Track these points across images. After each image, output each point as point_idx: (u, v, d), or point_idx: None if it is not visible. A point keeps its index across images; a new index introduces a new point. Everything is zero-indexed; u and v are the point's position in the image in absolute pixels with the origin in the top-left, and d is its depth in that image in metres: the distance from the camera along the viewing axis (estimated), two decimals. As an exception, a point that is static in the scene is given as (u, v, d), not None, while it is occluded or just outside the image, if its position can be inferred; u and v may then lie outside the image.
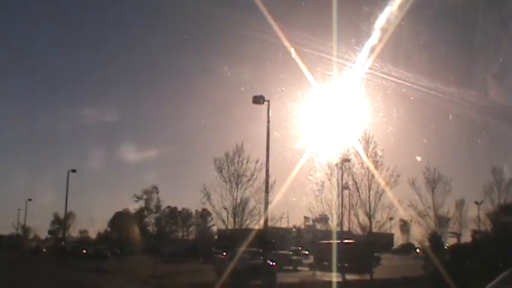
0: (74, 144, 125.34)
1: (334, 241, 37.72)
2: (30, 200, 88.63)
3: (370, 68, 22.00)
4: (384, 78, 22.96)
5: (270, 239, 41.08)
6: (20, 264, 52.95)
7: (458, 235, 51.54)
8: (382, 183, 34.91)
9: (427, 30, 24.78)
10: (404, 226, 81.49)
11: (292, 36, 22.52)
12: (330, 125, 31.77)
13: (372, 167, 34.97)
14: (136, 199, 47.74)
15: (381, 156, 34.82)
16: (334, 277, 31.33)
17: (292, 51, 22.37)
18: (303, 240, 69.90)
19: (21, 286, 28.23)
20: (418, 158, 38.56)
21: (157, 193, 47.96)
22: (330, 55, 22.60)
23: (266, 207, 33.16)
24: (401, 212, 40.82)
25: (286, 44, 22.46)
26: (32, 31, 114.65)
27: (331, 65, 23.30)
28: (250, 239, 37.86)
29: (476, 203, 54.59)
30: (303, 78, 25.25)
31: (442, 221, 46.82)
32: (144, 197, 47.32)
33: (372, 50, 20.68)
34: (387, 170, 34.96)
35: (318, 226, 56.49)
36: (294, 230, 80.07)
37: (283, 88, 32.05)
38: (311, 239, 60.07)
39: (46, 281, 33.69)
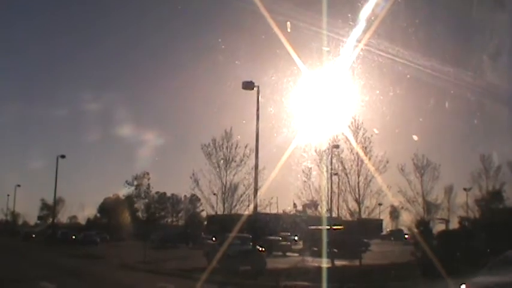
0: (63, 130, 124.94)
1: (324, 227, 37.84)
2: (19, 185, 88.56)
3: (365, 45, 21.93)
4: (380, 55, 22.89)
5: (259, 224, 41.08)
6: (9, 250, 52.81)
7: (446, 221, 51.90)
8: (371, 169, 34.99)
9: (423, 7, 24.73)
10: (394, 212, 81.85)
11: (285, 12, 22.29)
12: (320, 111, 31.75)
13: (361, 153, 35.01)
14: (127, 185, 47.66)
15: (370, 142, 34.85)
16: (324, 263, 31.42)
17: (288, 24, 22.15)
18: (292, 226, 70.11)
19: (11, 272, 28.10)
20: (415, 137, 38.40)
21: (148, 179, 47.93)
22: (321, 29, 22.45)
23: (255, 193, 33.17)
24: (390, 198, 40.98)
25: (280, 18, 22.22)
26: (19, 15, 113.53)
27: (324, 41, 23.18)
28: (239, 225, 37.93)
29: (464, 189, 54.96)
30: (293, 61, 25.18)
31: (430, 207, 47.13)
32: (135, 183, 47.27)
33: (367, 26, 20.63)
34: (376, 156, 35.06)
35: (308, 212, 56.63)
36: (283, 215, 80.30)
37: (273, 72, 32.00)
38: (300, 225, 60.16)
39: (35, 266, 33.61)
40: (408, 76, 24.96)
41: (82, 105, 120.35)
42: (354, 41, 21.65)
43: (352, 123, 34.87)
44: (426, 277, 18.28)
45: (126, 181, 47.74)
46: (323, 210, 39.02)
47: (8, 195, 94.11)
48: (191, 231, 76.44)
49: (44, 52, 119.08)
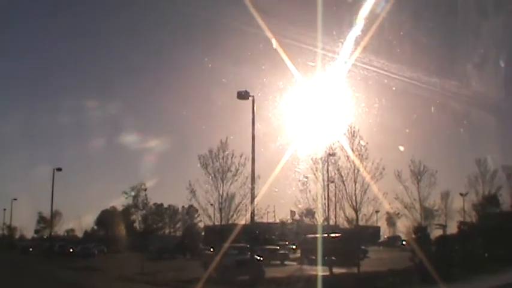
0: (59, 142, 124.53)
1: (321, 235, 37.82)
2: (15, 199, 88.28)
3: (353, 59, 22.11)
4: (366, 69, 23.11)
5: (256, 234, 41.07)
6: (7, 264, 52.67)
7: (444, 227, 51.95)
8: (368, 177, 34.98)
9: (408, 20, 24.90)
10: (391, 219, 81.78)
11: (275, 28, 22.51)
12: (315, 119, 31.86)
13: (357, 160, 35.01)
14: (126, 195, 47.70)
15: (366, 150, 34.86)
16: (322, 271, 31.42)
17: (274, 42, 22.35)
18: (290, 234, 70.03)
19: (9, 287, 28.08)
20: (401, 148, 38.65)
21: (145, 190, 47.98)
22: (313, 46, 22.67)
23: (252, 202, 33.21)
24: (388, 204, 40.95)
25: (269, 35, 22.44)
26: (16, 18, 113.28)
27: (314, 56, 23.39)
28: (237, 235, 37.91)
29: (461, 194, 54.94)
30: (286, 72, 25.36)
31: (427, 213, 47.11)
32: (133, 193, 47.30)
33: (356, 41, 20.78)
34: (372, 163, 35.04)
35: (305, 220, 56.59)
36: (280, 224, 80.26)
37: (267, 82, 32.15)
38: (298, 233, 60.11)
39: (33, 280, 33.53)
40: (400, 86, 25.19)
41: (78, 118, 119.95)
42: (349, 47, 21.81)
43: (348, 130, 34.91)
44: (424, 283, 18.31)
45: (124, 191, 47.81)
46: (319, 218, 38.92)
47: (5, 209, 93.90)
48: (189, 242, 76.32)
49: (39, 61, 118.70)
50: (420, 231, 41.51)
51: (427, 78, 23.85)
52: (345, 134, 34.86)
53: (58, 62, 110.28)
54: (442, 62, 27.73)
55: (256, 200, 33.48)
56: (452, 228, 50.37)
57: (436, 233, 48.65)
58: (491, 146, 43.76)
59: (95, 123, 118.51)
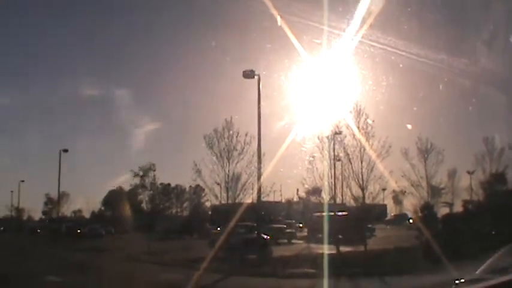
0: (66, 123, 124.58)
1: (328, 213, 37.84)
2: (22, 181, 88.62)
3: (360, 36, 21.91)
4: (373, 46, 22.87)
5: (263, 213, 41.10)
6: (15, 245, 52.99)
7: (450, 205, 51.88)
8: (374, 155, 34.88)
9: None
10: (397, 197, 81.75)
11: (280, 5, 22.26)
12: (321, 97, 31.71)
13: (363, 138, 34.90)
14: (134, 174, 47.73)
15: (372, 128, 34.73)
16: (329, 249, 31.45)
17: (278, 19, 22.09)
18: (296, 213, 70.11)
19: (17, 267, 28.19)
20: (409, 126, 38.48)
21: (154, 170, 47.98)
22: (319, 24, 22.46)
23: (259, 181, 33.20)
24: (394, 182, 40.89)
25: (274, 12, 22.21)
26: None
27: (320, 33, 23.18)
28: (243, 214, 37.91)
29: (468, 172, 54.77)
30: (292, 50, 25.18)
31: (434, 191, 47.05)
32: (141, 173, 47.32)
33: (363, 18, 20.59)
34: (379, 141, 34.94)
35: (311, 199, 56.60)
36: (287, 203, 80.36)
37: (273, 60, 32.00)
38: (304, 212, 60.23)
39: (41, 261, 33.69)
40: (407, 63, 24.97)
41: (84, 98, 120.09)
42: (356, 25, 21.62)
43: (353, 108, 34.77)
44: (431, 260, 18.29)
45: (133, 171, 47.79)
46: (326, 197, 38.91)
47: (12, 191, 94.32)
48: (195, 222, 76.45)
49: (44, 41, 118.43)
50: (427, 209, 41.49)
51: (435, 55, 23.58)
52: (351, 112, 34.78)
53: (66, 42, 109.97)
54: (450, 38, 27.43)
55: (262, 179, 33.48)
56: (459, 207, 50.32)
57: (442, 211, 48.68)
58: (499, 124, 43.47)
59: (101, 103, 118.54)
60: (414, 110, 37.85)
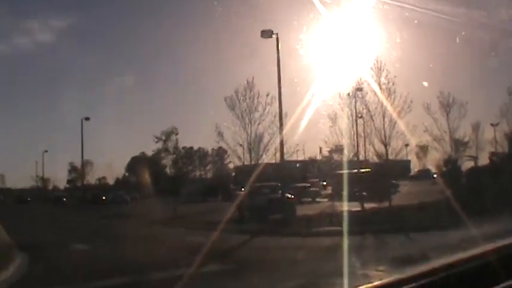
0: (87, 92, 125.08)
1: (351, 171, 37.82)
2: (46, 151, 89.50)
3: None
4: (391, 3, 22.51)
5: (287, 172, 41.12)
6: (41, 215, 53.69)
7: (475, 158, 51.48)
8: (396, 110, 34.64)
9: None
10: (421, 152, 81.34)
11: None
12: (340, 54, 31.41)
13: (385, 94, 34.63)
14: (156, 140, 47.92)
15: (393, 84, 34.44)
16: (353, 206, 31.50)
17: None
18: (320, 171, 70.17)
19: (44, 236, 28.59)
20: (425, 84, 38.02)
21: (176, 134, 48.04)
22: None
23: (281, 141, 33.17)
24: (417, 137, 40.68)
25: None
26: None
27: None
28: (267, 174, 37.98)
29: (492, 125, 54.18)
30: (310, 7, 24.88)
31: (458, 144, 46.68)
32: (163, 138, 47.44)
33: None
34: (400, 97, 34.65)
35: (334, 156, 56.53)
36: (310, 162, 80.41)
37: (291, 18, 31.74)
38: (328, 170, 60.23)
39: (67, 229, 34.12)
40: (428, 18, 24.58)
41: (103, 65, 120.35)
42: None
43: (374, 65, 34.48)
44: (456, 215, 18.21)
45: (155, 136, 47.96)
46: (346, 154, 38.89)
47: (36, 162, 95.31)
48: (219, 184, 76.83)
49: (63, 12, 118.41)
50: (451, 164, 41.27)
51: (454, 10, 23.20)
52: (371, 68, 34.51)
53: (88, 13, 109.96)
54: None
55: (284, 138, 33.45)
56: (484, 160, 49.96)
57: (467, 165, 48.33)
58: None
59: (123, 71, 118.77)
60: (435, 65, 37.54)
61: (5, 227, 32.31)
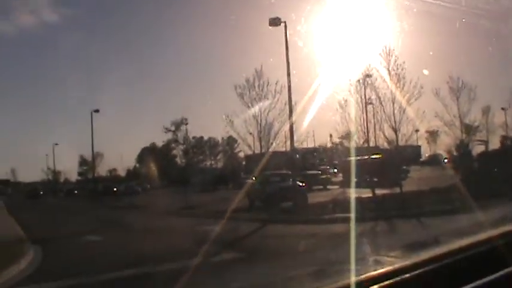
0: (96, 84, 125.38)
1: (362, 157, 37.78)
2: (56, 144, 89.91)
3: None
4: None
5: (297, 160, 41.16)
6: (54, 207, 54.04)
7: (486, 142, 51.32)
8: (406, 96, 34.54)
9: None
10: (431, 137, 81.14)
11: None
12: (348, 41, 31.37)
13: (394, 80, 34.52)
14: (166, 130, 48.12)
15: (402, 69, 34.32)
16: (364, 193, 31.49)
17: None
18: (330, 158, 70.21)
19: (57, 228, 28.79)
20: (425, 72, 37.69)
21: (186, 124, 48.21)
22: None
23: (291, 129, 33.19)
24: (427, 123, 40.57)
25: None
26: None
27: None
28: (278, 162, 37.99)
29: (503, 108, 53.98)
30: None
31: (468, 129, 46.55)
32: (173, 128, 47.64)
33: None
34: (410, 82, 34.53)
35: (344, 143, 56.54)
36: (320, 149, 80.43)
37: (298, 6, 31.65)
38: (338, 157, 60.25)
39: (80, 221, 34.30)
40: (434, 3, 24.49)
41: (113, 56, 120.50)
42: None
43: (383, 50, 34.38)
44: (468, 200, 18.17)
45: (164, 127, 48.17)
46: (359, 140, 38.77)
47: (47, 154, 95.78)
48: (230, 173, 76.92)
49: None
50: (462, 148, 41.18)
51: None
52: (380, 54, 34.41)
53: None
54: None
55: (294, 126, 33.46)
56: (495, 144, 49.83)
57: (478, 149, 48.20)
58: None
59: (130, 60, 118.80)
60: (445, 50, 37.30)
61: (18, 220, 32.61)
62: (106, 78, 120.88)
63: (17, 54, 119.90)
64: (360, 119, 37.00)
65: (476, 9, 25.16)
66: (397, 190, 32.70)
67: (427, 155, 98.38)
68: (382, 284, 2.58)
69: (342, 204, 27.63)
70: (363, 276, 2.66)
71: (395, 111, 35.16)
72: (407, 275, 2.66)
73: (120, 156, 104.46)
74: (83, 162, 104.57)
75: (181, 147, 49.73)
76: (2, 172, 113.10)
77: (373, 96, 36.39)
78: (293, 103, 32.55)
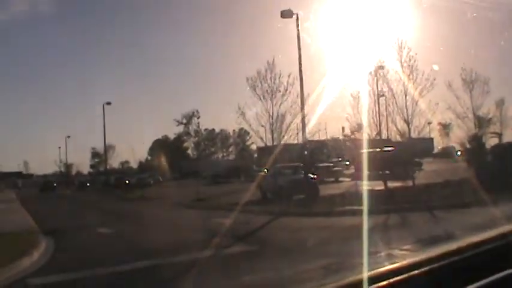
0: (108, 77, 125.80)
1: (374, 150, 37.65)
2: (68, 137, 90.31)
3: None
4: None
5: (309, 152, 41.06)
6: (67, 200, 54.29)
7: (499, 135, 51.00)
8: (419, 88, 34.36)
9: None
10: (444, 130, 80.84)
11: None
12: (360, 33, 31.26)
13: (407, 72, 34.35)
14: (177, 123, 48.15)
15: (415, 61, 34.14)
16: (376, 185, 31.38)
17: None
18: (342, 151, 70.03)
19: (70, 221, 28.92)
20: (435, 67, 37.37)
21: (198, 117, 48.23)
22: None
23: (303, 121, 33.10)
24: (440, 115, 40.38)
25: None
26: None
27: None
28: (290, 154, 37.92)
29: (516, 101, 53.68)
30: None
31: (482, 121, 46.29)
32: (184, 121, 47.65)
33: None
34: (423, 74, 34.34)
35: (357, 136, 56.39)
36: (332, 141, 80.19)
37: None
38: (350, 149, 60.05)
39: (92, 214, 34.44)
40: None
41: (124, 50, 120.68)
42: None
43: (395, 42, 34.22)
44: (481, 192, 18.06)
45: (176, 120, 48.19)
46: (371, 133, 38.62)
47: (60, 147, 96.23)
48: (242, 165, 76.83)
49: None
50: (475, 141, 40.90)
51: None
52: (392, 46, 34.26)
53: None
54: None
55: (306, 118, 33.38)
56: (509, 136, 49.49)
57: (491, 141, 47.92)
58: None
59: (142, 53, 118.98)
60: (458, 42, 37.07)
61: (31, 213, 32.79)
62: (118, 71, 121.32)
63: (30, 47, 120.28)
64: (372, 112, 36.90)
65: (489, 3, 25.00)
66: (410, 183, 32.58)
67: (439, 147, 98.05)
68: (394, 279, 2.54)
69: (354, 197, 27.52)
70: (374, 272, 2.63)
71: (408, 104, 35.03)
72: (418, 271, 2.63)
73: (131, 148, 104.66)
74: (95, 154, 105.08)
75: (193, 139, 49.59)
76: (15, 165, 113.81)
77: (386, 89, 36.27)
78: (305, 95, 32.50)
